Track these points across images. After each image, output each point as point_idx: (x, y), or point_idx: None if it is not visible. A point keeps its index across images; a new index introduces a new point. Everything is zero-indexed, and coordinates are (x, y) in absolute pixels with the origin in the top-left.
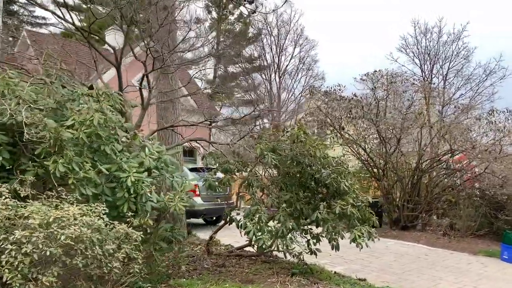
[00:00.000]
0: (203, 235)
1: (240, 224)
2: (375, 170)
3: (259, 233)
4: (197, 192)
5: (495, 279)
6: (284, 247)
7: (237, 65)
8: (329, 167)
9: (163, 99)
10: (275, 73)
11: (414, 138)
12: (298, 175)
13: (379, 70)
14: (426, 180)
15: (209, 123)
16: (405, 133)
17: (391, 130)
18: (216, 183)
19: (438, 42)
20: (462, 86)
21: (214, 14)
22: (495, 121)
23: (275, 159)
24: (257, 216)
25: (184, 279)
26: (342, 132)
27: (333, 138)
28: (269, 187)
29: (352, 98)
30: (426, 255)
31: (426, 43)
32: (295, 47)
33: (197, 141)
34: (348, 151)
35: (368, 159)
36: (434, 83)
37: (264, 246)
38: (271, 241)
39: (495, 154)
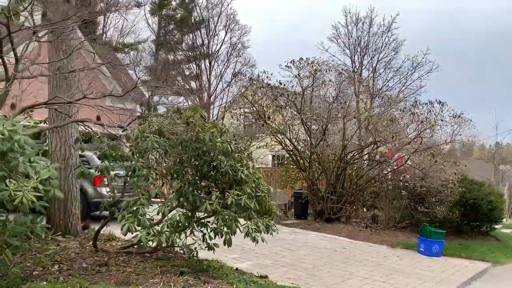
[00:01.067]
0: (111, 229)
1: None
2: (300, 160)
3: (139, 228)
4: (106, 182)
5: (407, 274)
6: (170, 242)
7: (179, 53)
8: (230, 154)
9: (55, 73)
10: (204, 59)
11: (340, 129)
12: (196, 163)
13: (306, 58)
14: (352, 172)
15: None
16: (332, 124)
17: (315, 120)
18: (93, 171)
19: (368, 33)
20: (391, 79)
21: None
22: (417, 113)
23: (160, 143)
24: (136, 208)
25: (45, 282)
26: (268, 122)
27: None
28: (166, 175)
29: (278, 86)
30: (344, 248)
31: (357, 33)
32: (226, 32)
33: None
34: (275, 141)
35: (293, 149)
36: (363, 76)
37: (143, 242)
38: (154, 236)
39: (415, 146)
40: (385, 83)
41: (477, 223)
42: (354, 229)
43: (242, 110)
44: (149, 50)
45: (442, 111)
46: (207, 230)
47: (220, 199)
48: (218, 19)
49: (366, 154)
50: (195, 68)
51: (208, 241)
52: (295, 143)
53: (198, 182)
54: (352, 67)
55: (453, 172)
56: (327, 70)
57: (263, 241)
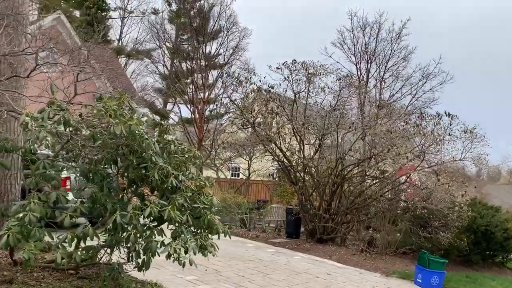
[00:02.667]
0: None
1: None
2: (292, 173)
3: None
4: (68, 186)
5: None
6: (66, 258)
7: (194, 62)
8: (160, 154)
9: None
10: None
11: (344, 141)
12: (121, 164)
13: (303, 62)
14: (348, 189)
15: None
16: (330, 135)
17: (307, 129)
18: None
19: (376, 39)
20: (400, 89)
21: (174, 7)
22: (421, 125)
23: (64, 135)
24: (23, 215)
25: None
26: (258, 129)
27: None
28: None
29: (270, 90)
30: (328, 274)
31: (364, 39)
32: (226, 35)
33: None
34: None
35: (284, 159)
36: (369, 85)
37: (29, 257)
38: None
39: (418, 163)
40: (392, 93)
41: (489, 252)
42: (347, 253)
43: (236, 118)
44: (162, 57)
45: (451, 125)
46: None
47: (140, 209)
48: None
49: (362, 170)
50: (202, 77)
51: (136, 259)
52: (287, 154)
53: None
54: (358, 75)
55: (461, 193)
56: (324, 75)
57: (191, 265)
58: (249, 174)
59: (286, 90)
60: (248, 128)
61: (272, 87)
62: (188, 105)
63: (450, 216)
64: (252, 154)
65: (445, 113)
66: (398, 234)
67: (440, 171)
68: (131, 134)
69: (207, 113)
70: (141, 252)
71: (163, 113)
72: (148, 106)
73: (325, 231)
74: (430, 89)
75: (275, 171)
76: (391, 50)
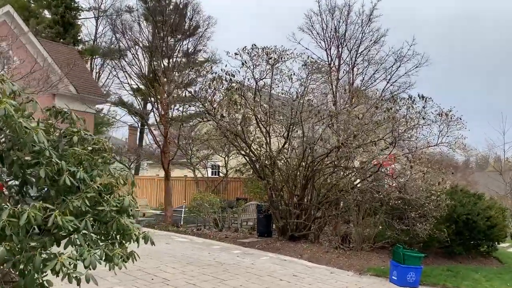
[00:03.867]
0: None
1: None
2: (259, 167)
3: None
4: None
5: None
6: None
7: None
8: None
9: None
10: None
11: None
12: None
13: (264, 47)
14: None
15: None
16: (299, 125)
17: (269, 118)
18: None
19: (346, 22)
20: (373, 75)
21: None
22: (391, 109)
23: None
24: None
25: None
26: (220, 121)
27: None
28: None
29: (231, 79)
30: (295, 276)
31: (333, 23)
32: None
33: None
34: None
35: (250, 153)
36: (341, 71)
37: None
38: None
39: (389, 150)
40: (365, 78)
41: (473, 242)
42: (320, 250)
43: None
44: (137, 57)
45: (424, 108)
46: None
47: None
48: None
49: (332, 161)
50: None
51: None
52: (254, 147)
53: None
54: (328, 61)
55: (438, 181)
56: (288, 60)
57: (87, 282)
58: (227, 172)
59: (248, 78)
60: (208, 121)
61: (233, 75)
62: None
63: (428, 206)
64: (228, 151)
65: (418, 96)
66: (375, 228)
67: (415, 158)
68: (6, 120)
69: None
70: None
71: (141, 113)
72: (125, 106)
73: (297, 228)
74: (405, 73)
75: (242, 166)
76: (362, 33)
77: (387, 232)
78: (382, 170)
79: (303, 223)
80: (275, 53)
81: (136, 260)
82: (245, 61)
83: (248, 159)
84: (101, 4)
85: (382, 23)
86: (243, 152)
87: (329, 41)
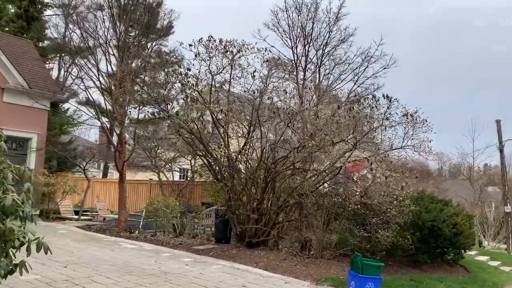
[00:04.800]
0: None
1: None
2: (216, 168)
3: None
4: None
5: None
6: None
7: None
8: None
9: None
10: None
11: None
12: None
13: (221, 39)
14: (283, 185)
15: None
16: (262, 125)
17: (230, 118)
18: None
19: (313, 20)
20: (340, 76)
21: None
22: (352, 108)
23: None
24: None
25: None
26: (174, 117)
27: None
28: None
29: (187, 73)
30: (244, 287)
31: (300, 20)
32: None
33: None
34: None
35: (206, 153)
36: (308, 71)
37: None
38: None
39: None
40: (331, 79)
41: (439, 250)
42: (277, 258)
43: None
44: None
45: (388, 108)
46: None
47: None
48: None
49: (291, 163)
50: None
51: None
52: (212, 147)
53: None
54: (294, 60)
55: (401, 185)
56: (249, 54)
57: None
58: (193, 175)
59: (203, 71)
60: (160, 117)
61: (189, 69)
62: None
63: (390, 212)
64: (194, 153)
65: (383, 95)
66: (337, 234)
67: (376, 161)
68: None
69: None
70: None
71: (106, 113)
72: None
73: (255, 234)
74: (373, 74)
75: (200, 167)
76: (329, 31)
77: (349, 239)
78: (344, 174)
79: (262, 229)
80: (234, 47)
81: (28, 272)
82: (198, 53)
83: (205, 161)
84: (72, 1)
85: (359, 28)
86: (199, 153)
87: (295, 39)
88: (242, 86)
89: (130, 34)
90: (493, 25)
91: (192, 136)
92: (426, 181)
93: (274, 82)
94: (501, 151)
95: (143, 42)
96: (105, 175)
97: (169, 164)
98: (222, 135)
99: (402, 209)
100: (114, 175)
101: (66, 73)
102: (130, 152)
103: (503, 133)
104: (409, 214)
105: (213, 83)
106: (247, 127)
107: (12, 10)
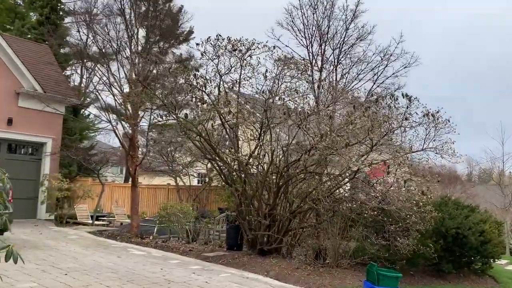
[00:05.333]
0: None
1: None
2: (226, 171)
3: None
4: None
5: None
6: None
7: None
8: None
9: None
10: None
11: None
12: None
13: (229, 37)
14: (296, 189)
15: None
16: (276, 126)
17: (241, 119)
18: None
19: (329, 18)
20: (358, 75)
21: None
22: (369, 108)
23: None
24: None
25: None
26: (181, 119)
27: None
28: None
29: (195, 74)
30: None
31: (315, 18)
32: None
33: None
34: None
35: (215, 156)
36: (324, 71)
37: None
38: None
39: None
40: (348, 78)
41: (465, 259)
42: (290, 267)
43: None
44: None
45: (408, 108)
46: None
47: None
48: None
49: (304, 167)
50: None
51: None
52: (222, 150)
53: None
54: (310, 59)
55: (422, 190)
56: (259, 54)
57: None
58: (209, 180)
59: (210, 71)
60: (169, 119)
61: (198, 70)
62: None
63: (410, 219)
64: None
65: (402, 94)
66: (354, 242)
67: (395, 164)
68: None
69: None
70: None
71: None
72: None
73: (268, 241)
74: (393, 74)
75: (209, 171)
76: (346, 29)
77: (367, 248)
78: (360, 178)
79: (274, 236)
80: (243, 45)
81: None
82: (205, 51)
83: (214, 164)
84: (93, 8)
85: (381, 25)
86: (208, 156)
87: (310, 38)
88: (253, 87)
89: (150, 40)
90: None
91: (201, 139)
92: (453, 186)
93: (286, 82)
94: None
95: (163, 47)
96: (127, 179)
97: (186, 169)
98: (232, 137)
99: (423, 215)
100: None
101: (88, 79)
102: (143, 156)
103: None
104: (431, 221)
105: (221, 83)
106: (258, 129)
107: (34, 18)
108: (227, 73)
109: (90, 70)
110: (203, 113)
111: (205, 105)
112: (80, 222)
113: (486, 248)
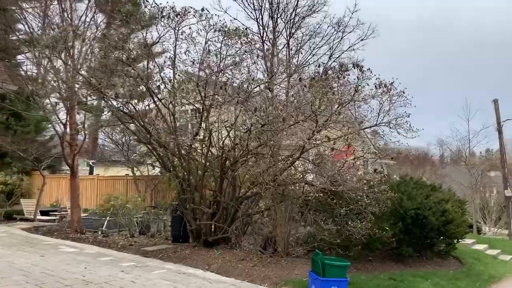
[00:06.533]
0: None
1: None
2: (164, 156)
3: None
4: None
5: None
6: None
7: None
8: None
9: None
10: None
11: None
12: None
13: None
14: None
15: None
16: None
17: (168, 94)
18: None
19: None
20: (313, 50)
21: None
22: (313, 78)
23: None
24: None
25: None
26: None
27: None
28: None
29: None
30: None
31: None
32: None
33: None
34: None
35: (150, 138)
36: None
37: None
38: None
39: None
40: (301, 53)
41: (427, 241)
42: (235, 258)
43: None
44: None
45: (358, 79)
46: None
47: None
48: None
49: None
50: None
51: None
52: (146, 126)
53: None
54: (261, 34)
55: (375, 168)
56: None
57: None
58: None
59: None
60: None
61: (125, 41)
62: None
63: (362, 200)
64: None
65: (353, 65)
66: (305, 228)
67: (346, 140)
68: None
69: None
70: None
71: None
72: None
73: (214, 231)
74: (350, 47)
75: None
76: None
77: (317, 234)
78: (306, 157)
79: (218, 225)
80: (174, 12)
81: None
82: (126, 18)
83: (150, 147)
84: None
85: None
86: (143, 140)
87: (261, 9)
88: (193, 62)
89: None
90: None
91: (135, 122)
92: (423, 167)
93: (230, 55)
94: (500, 131)
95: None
96: (91, 172)
97: (143, 158)
98: (168, 118)
99: (377, 196)
100: (95, 171)
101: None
102: (82, 143)
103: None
104: (387, 202)
105: (150, 51)
106: (199, 108)
107: None
108: (156, 42)
109: (42, 58)
110: (133, 89)
111: (133, 81)
112: (25, 218)
113: (448, 229)
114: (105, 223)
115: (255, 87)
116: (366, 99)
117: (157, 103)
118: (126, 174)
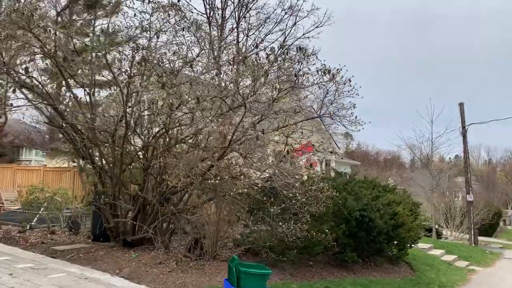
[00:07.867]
0: None
1: None
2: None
3: None
4: None
5: None
6: None
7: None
8: None
9: None
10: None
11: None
12: None
13: None
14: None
15: None
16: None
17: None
18: None
19: None
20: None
21: None
22: (245, 58)
23: None
24: None
25: None
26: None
27: None
28: None
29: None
30: None
31: None
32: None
33: None
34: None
35: (61, 120)
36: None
37: None
38: None
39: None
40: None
41: (378, 246)
42: (152, 261)
43: None
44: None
45: (301, 63)
46: None
47: None
48: None
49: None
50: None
51: None
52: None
53: None
54: (206, 13)
55: (311, 163)
56: None
57: None
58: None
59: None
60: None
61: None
62: None
63: (297, 198)
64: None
65: (297, 48)
66: (238, 228)
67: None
68: None
69: None
70: None
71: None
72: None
73: (132, 230)
74: (303, 34)
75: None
76: None
77: (251, 236)
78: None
79: (138, 224)
80: None
81: None
82: None
83: (62, 131)
84: None
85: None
86: (51, 122)
87: None
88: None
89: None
90: None
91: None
92: (389, 170)
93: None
94: (464, 136)
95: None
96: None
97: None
98: (82, 98)
99: (315, 194)
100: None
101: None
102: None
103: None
104: (328, 202)
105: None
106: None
107: None
108: (64, 9)
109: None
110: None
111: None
112: None
113: (398, 233)
114: (36, 218)
115: (181, 67)
116: (307, 86)
117: (68, 79)
118: (74, 166)
